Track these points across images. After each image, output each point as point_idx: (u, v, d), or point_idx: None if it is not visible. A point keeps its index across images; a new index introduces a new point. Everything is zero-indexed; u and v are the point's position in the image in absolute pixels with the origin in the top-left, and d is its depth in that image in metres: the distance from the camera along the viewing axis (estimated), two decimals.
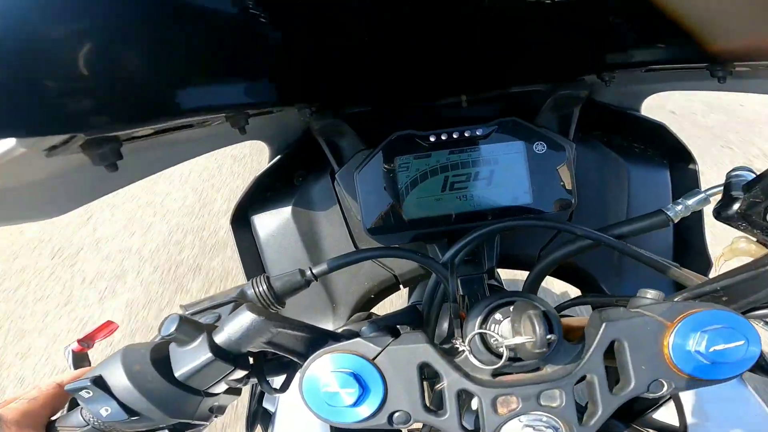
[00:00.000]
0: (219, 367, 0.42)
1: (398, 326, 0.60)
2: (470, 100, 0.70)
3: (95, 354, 0.54)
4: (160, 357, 0.43)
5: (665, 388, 0.41)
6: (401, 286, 0.76)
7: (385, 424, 0.43)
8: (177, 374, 0.42)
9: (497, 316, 0.43)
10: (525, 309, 0.38)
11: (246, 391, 0.63)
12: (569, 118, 0.67)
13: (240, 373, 0.45)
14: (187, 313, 0.51)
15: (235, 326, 0.42)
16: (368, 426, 0.43)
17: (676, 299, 0.46)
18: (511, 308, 0.43)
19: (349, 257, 0.53)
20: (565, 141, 0.63)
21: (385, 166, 0.64)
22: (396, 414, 0.42)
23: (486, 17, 0.45)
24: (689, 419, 0.59)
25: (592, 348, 0.41)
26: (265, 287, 0.51)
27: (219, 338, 0.43)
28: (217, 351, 0.42)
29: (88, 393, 0.40)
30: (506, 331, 0.42)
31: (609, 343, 0.41)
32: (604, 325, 0.41)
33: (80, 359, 0.56)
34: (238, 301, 0.46)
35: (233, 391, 0.49)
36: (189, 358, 0.42)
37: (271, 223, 0.76)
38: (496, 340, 0.41)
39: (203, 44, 0.37)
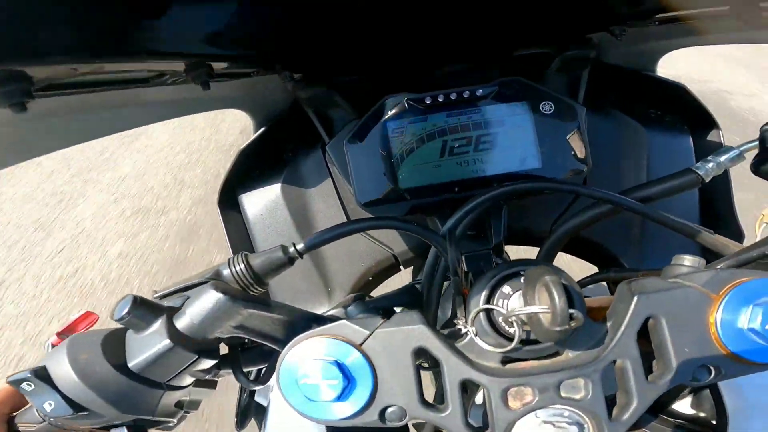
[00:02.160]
0: (180, 356, 0.36)
1: (394, 309, 0.54)
2: (470, 66, 0.64)
3: None
4: (114, 345, 0.37)
5: (712, 375, 0.34)
6: (401, 266, 0.70)
7: (376, 422, 0.36)
8: (131, 364, 0.36)
9: (506, 289, 0.36)
10: (540, 276, 0.31)
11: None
12: (578, 81, 0.61)
13: (207, 363, 0.38)
14: (156, 296, 0.45)
15: (198, 308, 0.36)
16: (357, 424, 0.37)
17: (719, 267, 0.39)
18: (522, 279, 0.36)
19: (336, 230, 0.47)
20: (574, 102, 0.57)
21: (377, 133, 0.57)
22: (389, 410, 0.36)
23: None
24: (729, 407, 0.52)
25: (623, 326, 0.34)
26: (243, 266, 0.45)
27: (180, 323, 0.37)
28: (177, 337, 0.36)
29: (30, 385, 0.35)
30: (517, 307, 0.35)
31: (643, 320, 0.34)
32: (636, 298, 0.34)
33: None
34: (212, 281, 0.39)
35: (206, 384, 0.43)
36: (145, 346, 0.36)
37: (259, 201, 0.70)
38: (505, 316, 0.34)
39: None
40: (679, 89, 0.65)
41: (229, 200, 0.71)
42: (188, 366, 0.37)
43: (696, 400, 0.57)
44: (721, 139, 0.66)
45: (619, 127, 0.66)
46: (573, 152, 0.56)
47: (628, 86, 0.70)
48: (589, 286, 0.59)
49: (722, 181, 0.64)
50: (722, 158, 0.49)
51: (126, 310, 0.36)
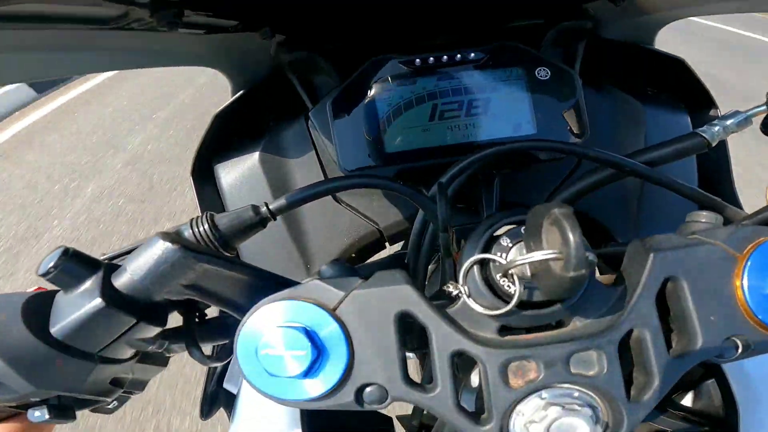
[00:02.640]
0: (114, 320, 0.30)
1: None
2: (462, 39, 0.61)
3: None
4: (41, 308, 0.31)
5: (740, 350, 0.29)
6: (387, 243, 0.64)
7: (352, 404, 0.30)
8: (53, 329, 0.30)
9: (504, 241, 0.31)
10: (546, 214, 0.26)
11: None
12: (574, 54, 0.59)
13: (150, 330, 0.32)
14: (107, 255, 0.39)
15: (141, 261, 0.30)
16: (330, 405, 0.31)
17: (741, 224, 0.34)
18: (523, 229, 0.31)
19: (314, 188, 0.41)
20: (570, 69, 0.54)
21: (363, 96, 0.53)
22: (368, 389, 0.30)
23: None
24: (739, 399, 0.47)
25: (639, 289, 0.29)
26: (207, 226, 0.38)
27: (119, 280, 0.31)
28: (112, 296, 0.30)
29: None
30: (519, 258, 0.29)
31: (662, 282, 0.29)
32: (652, 256, 0.29)
33: None
34: (161, 232, 0.33)
35: (153, 360, 0.37)
36: (72, 307, 0.30)
37: (235, 170, 0.64)
38: (504, 267, 0.29)
39: None
40: (678, 63, 0.63)
41: (203, 169, 0.65)
42: (125, 333, 0.31)
43: (702, 392, 0.53)
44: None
45: (616, 103, 0.63)
46: (570, 119, 0.53)
47: (625, 60, 0.67)
48: None
49: (721, 152, 0.62)
50: (728, 122, 0.45)
51: (52, 264, 0.29)
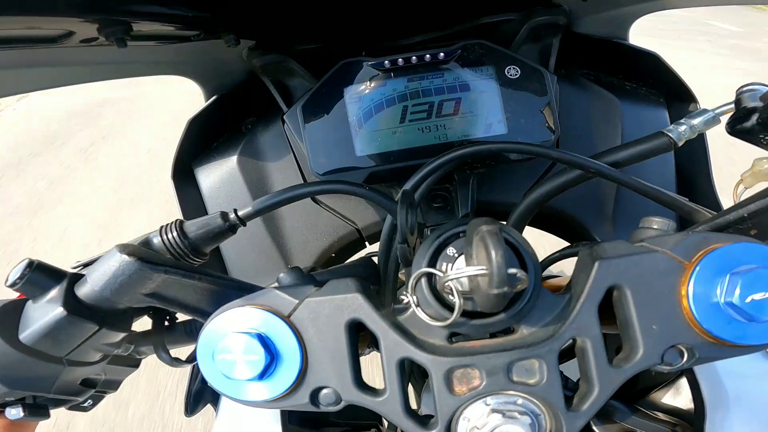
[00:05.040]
0: (77, 327, 0.32)
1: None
2: (436, 36, 0.60)
3: None
4: (10, 316, 0.33)
5: (685, 359, 0.30)
6: (367, 242, 0.65)
7: (308, 405, 0.32)
8: (21, 336, 0.31)
9: (450, 251, 0.31)
10: (478, 230, 0.27)
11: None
12: (548, 49, 0.58)
13: (114, 336, 0.34)
14: (78, 263, 0.40)
15: (101, 272, 0.32)
16: (287, 407, 0.32)
17: (693, 231, 0.34)
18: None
19: (282, 195, 0.42)
20: (541, 67, 0.54)
21: (334, 99, 0.53)
22: (323, 392, 0.32)
23: None
24: (707, 398, 0.48)
25: (582, 298, 0.30)
26: (175, 234, 0.40)
27: (82, 290, 0.32)
28: (73, 305, 0.31)
29: None
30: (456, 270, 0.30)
31: (605, 291, 0.30)
32: (596, 264, 0.30)
33: None
34: (119, 244, 0.34)
35: (123, 361, 0.38)
36: (39, 316, 0.31)
37: (214, 173, 0.65)
38: (440, 281, 0.30)
39: None
40: (653, 58, 0.62)
41: (183, 172, 0.66)
42: (89, 338, 0.32)
43: (675, 390, 0.54)
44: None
45: (592, 97, 0.63)
46: (541, 118, 0.53)
47: (600, 55, 0.66)
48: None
49: (700, 149, 0.61)
50: (695, 121, 0.45)
51: (18, 275, 0.31)
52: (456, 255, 0.31)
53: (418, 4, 0.54)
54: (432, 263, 0.31)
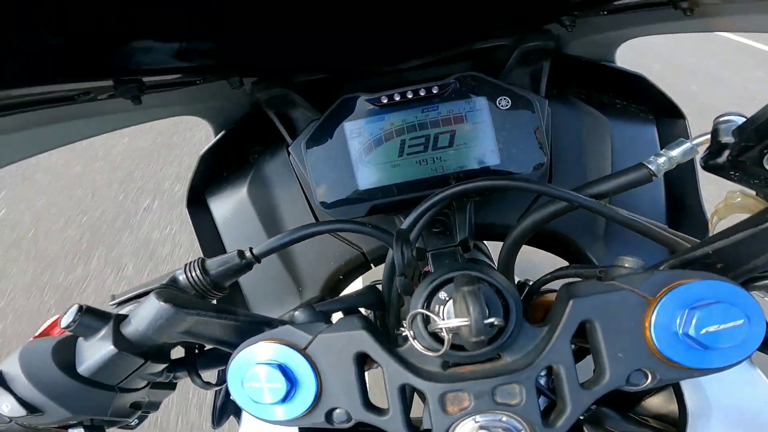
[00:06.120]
0: (127, 361, 0.37)
1: (359, 309, 0.54)
2: (430, 62, 0.63)
3: None
4: (65, 351, 0.39)
5: (649, 380, 0.34)
6: (372, 265, 0.70)
7: (324, 423, 0.37)
8: (79, 369, 0.37)
9: (442, 294, 0.36)
10: (462, 285, 0.31)
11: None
12: (539, 73, 0.61)
13: (157, 367, 0.40)
14: (115, 301, 0.46)
15: (142, 316, 0.37)
16: (305, 425, 0.38)
17: (660, 268, 0.38)
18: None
19: (289, 236, 0.47)
20: (531, 95, 0.57)
21: (335, 135, 0.57)
22: (336, 412, 0.37)
23: None
24: (689, 405, 0.52)
25: (557, 332, 0.34)
26: (198, 272, 0.45)
27: (127, 330, 0.38)
28: (122, 343, 0.37)
29: None
30: (451, 314, 0.35)
31: (577, 325, 0.34)
32: (571, 302, 0.34)
33: None
34: (156, 290, 0.40)
35: (163, 386, 0.44)
36: (93, 352, 0.37)
37: (226, 204, 0.70)
38: (432, 327, 0.35)
39: None
40: (639, 79, 0.65)
41: (197, 203, 0.70)
42: (137, 370, 0.38)
43: (664, 397, 0.57)
44: (688, 128, 0.64)
45: (582, 118, 0.65)
46: (532, 140, 0.56)
47: (589, 78, 0.69)
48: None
49: (689, 172, 0.64)
50: (673, 152, 0.47)
51: (72, 319, 0.37)
52: (446, 299, 0.36)
53: (413, 33, 0.56)
54: (426, 304, 0.36)
